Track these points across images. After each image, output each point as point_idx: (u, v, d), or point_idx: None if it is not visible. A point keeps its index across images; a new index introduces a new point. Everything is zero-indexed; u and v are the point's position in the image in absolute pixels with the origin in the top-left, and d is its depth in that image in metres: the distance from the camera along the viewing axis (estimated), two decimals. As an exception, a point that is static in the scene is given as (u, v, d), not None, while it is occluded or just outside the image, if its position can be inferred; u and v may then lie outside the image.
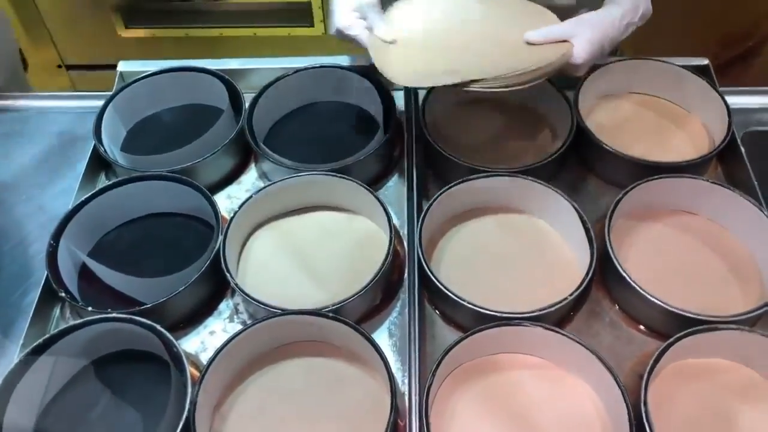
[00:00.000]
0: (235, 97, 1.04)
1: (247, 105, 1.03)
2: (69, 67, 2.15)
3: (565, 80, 1.02)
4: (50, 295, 0.86)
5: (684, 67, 1.05)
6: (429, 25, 0.89)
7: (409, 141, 1.00)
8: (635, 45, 1.94)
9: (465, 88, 0.81)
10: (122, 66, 1.11)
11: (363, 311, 0.86)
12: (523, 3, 0.93)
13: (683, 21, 1.89)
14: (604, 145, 0.95)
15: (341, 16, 0.89)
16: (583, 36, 0.84)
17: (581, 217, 0.87)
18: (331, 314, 0.79)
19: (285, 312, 0.80)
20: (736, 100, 1.05)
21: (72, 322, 0.81)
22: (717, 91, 1.01)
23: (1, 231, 0.98)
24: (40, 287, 0.85)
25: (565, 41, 0.85)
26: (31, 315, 0.83)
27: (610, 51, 0.88)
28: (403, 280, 0.88)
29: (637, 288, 0.81)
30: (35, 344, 0.78)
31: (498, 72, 0.81)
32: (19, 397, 0.76)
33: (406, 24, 0.89)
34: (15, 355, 0.79)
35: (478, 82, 0.81)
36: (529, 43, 0.85)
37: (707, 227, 0.93)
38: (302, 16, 1.90)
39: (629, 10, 0.88)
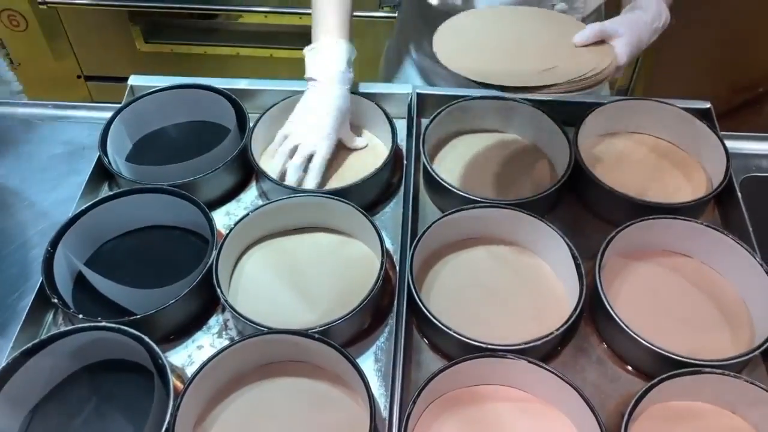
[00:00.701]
0: (241, 117, 1.06)
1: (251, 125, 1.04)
2: (87, 78, 2.19)
3: (566, 116, 1.04)
4: (44, 300, 0.87)
5: (686, 109, 1.06)
6: (490, 33, 0.91)
7: (408, 168, 1.01)
8: (647, 87, 1.96)
9: (539, 92, 0.82)
10: (133, 80, 1.13)
11: (351, 334, 0.87)
12: (565, 17, 0.96)
13: (695, 65, 1.90)
14: (601, 183, 0.96)
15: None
16: (623, 37, 0.87)
17: (573, 253, 0.88)
18: (317, 335, 0.80)
19: (272, 331, 0.81)
20: (736, 145, 1.06)
21: (62, 329, 0.82)
22: (717, 135, 1.02)
23: (3, 234, 1.00)
24: (35, 292, 0.86)
25: (604, 46, 0.87)
26: (23, 318, 0.84)
27: (638, 54, 0.91)
28: (393, 306, 0.89)
29: (625, 327, 0.81)
30: (25, 347, 0.79)
31: (557, 80, 0.81)
32: (6, 399, 0.77)
33: (469, 30, 0.91)
34: (5, 356, 0.80)
35: (539, 89, 0.81)
36: (577, 46, 0.87)
37: (700, 270, 0.93)
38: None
39: (656, 15, 0.92)
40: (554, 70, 0.82)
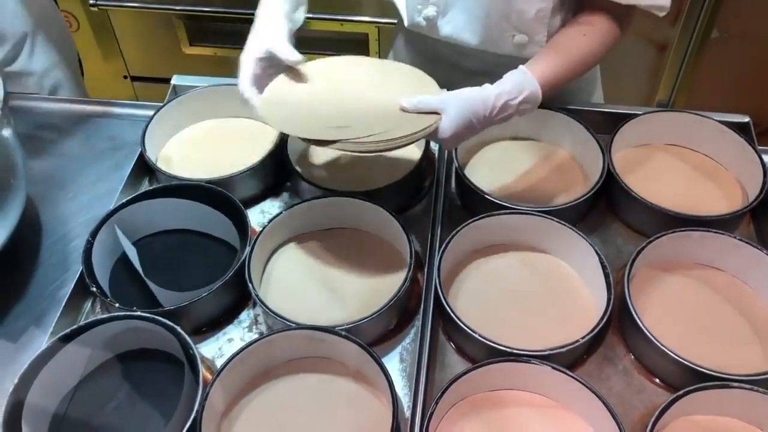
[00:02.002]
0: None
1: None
2: (134, 78, 2.25)
3: (601, 125, 1.04)
4: (83, 289, 0.90)
5: (724, 123, 1.04)
6: (315, 86, 0.90)
7: (439, 172, 1.02)
8: (687, 101, 1.93)
9: (335, 147, 0.81)
10: (176, 80, 1.16)
11: (377, 334, 0.88)
12: (411, 71, 0.93)
13: (737, 81, 1.88)
14: (633, 193, 0.96)
15: (243, 84, 0.90)
16: (451, 111, 0.83)
17: (602, 262, 0.87)
18: (344, 333, 0.81)
19: (300, 326, 0.82)
20: (775, 160, 1.04)
21: (99, 317, 0.85)
22: (755, 149, 1.01)
23: (45, 225, 1.04)
24: (74, 281, 0.90)
25: (435, 113, 0.84)
26: (62, 306, 0.87)
27: (481, 128, 0.86)
28: (420, 308, 0.90)
29: (652, 338, 0.80)
30: (63, 333, 0.82)
31: (369, 133, 0.81)
32: (43, 382, 0.80)
33: (293, 86, 0.90)
34: (44, 342, 0.84)
35: (348, 142, 0.80)
36: (402, 110, 0.85)
37: (732, 285, 0.92)
38: (358, 46, 1.96)
39: (507, 91, 0.84)
40: (346, 129, 0.82)
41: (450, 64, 1.10)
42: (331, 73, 0.93)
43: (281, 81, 0.90)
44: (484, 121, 0.84)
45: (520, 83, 0.86)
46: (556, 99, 0.99)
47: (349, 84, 0.91)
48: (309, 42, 2.06)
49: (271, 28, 0.91)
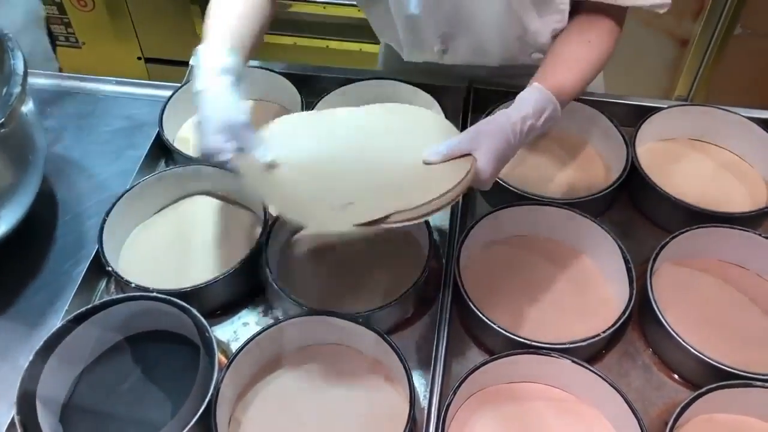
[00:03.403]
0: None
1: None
2: (147, 60, 2.24)
3: (624, 118, 1.02)
4: (98, 268, 0.89)
5: (749, 118, 1.03)
6: (314, 144, 0.78)
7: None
8: (707, 96, 1.91)
9: (361, 225, 0.68)
10: (193, 60, 1.15)
11: (394, 322, 0.87)
12: (415, 110, 0.83)
13: (758, 76, 1.85)
14: (657, 187, 0.94)
15: (208, 138, 0.76)
16: (484, 148, 0.74)
17: (624, 256, 0.86)
18: (361, 320, 0.80)
19: (316, 312, 0.82)
20: (800, 157, 1.02)
21: (114, 296, 0.84)
22: (781, 146, 0.99)
23: (62, 203, 1.03)
24: (90, 259, 0.89)
25: (467, 155, 0.74)
26: (77, 285, 0.87)
27: (512, 156, 0.79)
28: (438, 298, 0.89)
29: (674, 334, 0.79)
30: (77, 312, 0.81)
31: (401, 206, 0.68)
32: (57, 360, 0.79)
33: (287, 145, 0.77)
34: (59, 319, 0.83)
35: (379, 221, 0.68)
36: (427, 163, 0.74)
37: (756, 282, 0.91)
38: (372, 32, 1.95)
39: (531, 114, 0.78)
40: (397, 193, 0.70)
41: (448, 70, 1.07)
42: (329, 126, 0.80)
43: (277, 138, 0.77)
44: (515, 148, 0.78)
45: (540, 103, 0.80)
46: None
47: (352, 137, 0.79)
48: (323, 28, 2.05)
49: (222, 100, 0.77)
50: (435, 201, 0.68)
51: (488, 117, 0.80)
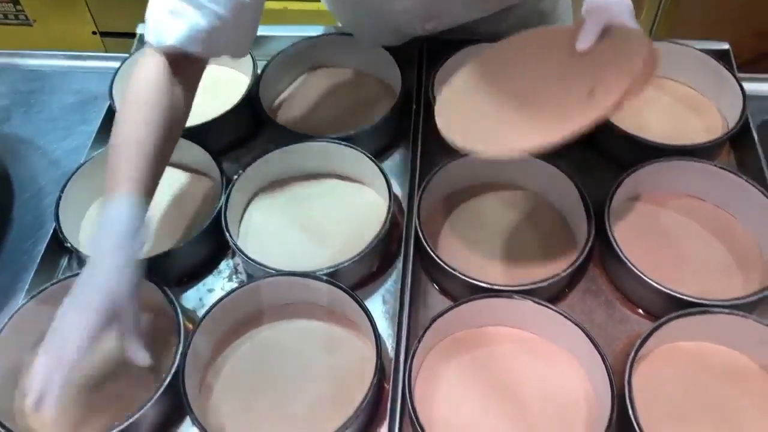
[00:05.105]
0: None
1: (258, 71, 1.04)
2: (103, 34, 2.19)
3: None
4: (59, 245, 0.88)
5: (703, 51, 1.03)
6: (503, 83, 0.81)
7: (416, 112, 1.00)
8: (668, 31, 1.90)
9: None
10: (141, 29, 1.13)
11: (359, 277, 0.87)
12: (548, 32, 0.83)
13: (718, 10, 1.85)
14: (612, 124, 0.94)
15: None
16: (615, 9, 0.75)
17: (582, 195, 0.87)
18: (325, 277, 0.80)
19: (280, 273, 0.82)
20: (754, 87, 1.03)
21: (76, 272, 0.83)
22: (734, 77, 0.99)
23: (18, 183, 1.01)
24: (48, 237, 0.88)
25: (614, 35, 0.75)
26: (37, 263, 0.86)
27: None
28: (401, 251, 0.89)
29: (633, 268, 0.80)
30: (39, 290, 0.80)
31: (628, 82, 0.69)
32: (24, 341, 0.79)
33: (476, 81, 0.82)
34: (20, 299, 0.82)
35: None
36: (581, 52, 0.75)
37: (713, 213, 0.92)
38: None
39: None
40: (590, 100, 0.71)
41: None
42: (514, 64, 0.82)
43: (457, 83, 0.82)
44: None
45: None
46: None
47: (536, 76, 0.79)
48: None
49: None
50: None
51: None
